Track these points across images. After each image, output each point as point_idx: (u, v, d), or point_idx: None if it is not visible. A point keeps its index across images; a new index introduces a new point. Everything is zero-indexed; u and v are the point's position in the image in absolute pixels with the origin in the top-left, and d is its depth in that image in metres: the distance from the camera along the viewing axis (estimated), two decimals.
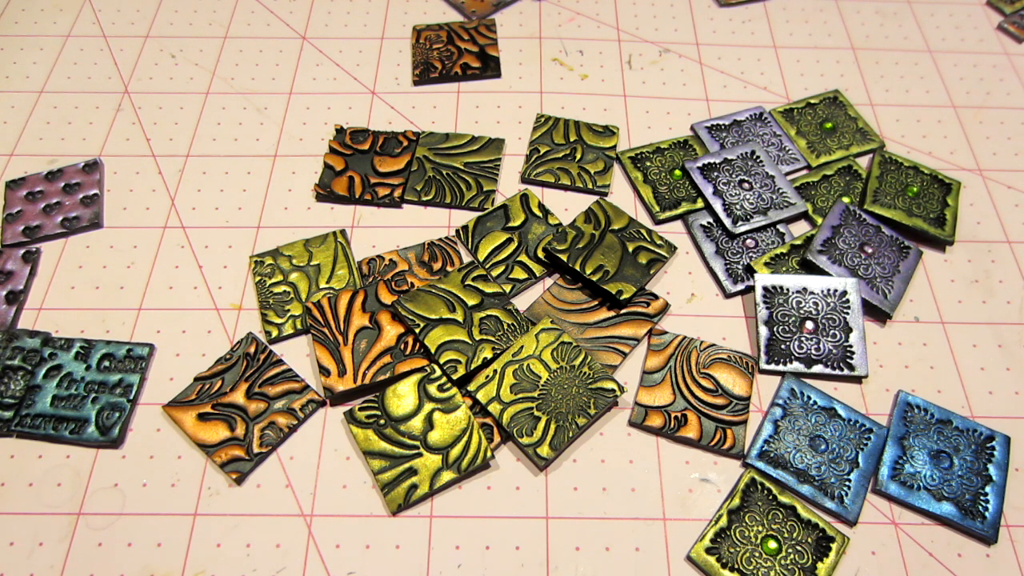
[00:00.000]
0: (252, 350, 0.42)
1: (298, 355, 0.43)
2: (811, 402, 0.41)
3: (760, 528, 0.38)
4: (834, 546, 0.37)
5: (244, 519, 0.38)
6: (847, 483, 0.39)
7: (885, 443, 0.40)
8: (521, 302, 0.45)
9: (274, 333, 0.43)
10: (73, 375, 0.42)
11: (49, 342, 0.42)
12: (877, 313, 0.45)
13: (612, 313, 0.44)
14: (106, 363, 0.42)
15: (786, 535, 0.37)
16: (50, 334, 0.43)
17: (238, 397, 0.41)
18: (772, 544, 0.37)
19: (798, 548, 0.37)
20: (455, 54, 0.56)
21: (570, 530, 0.38)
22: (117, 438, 0.40)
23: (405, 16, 0.59)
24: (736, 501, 0.38)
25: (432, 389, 0.41)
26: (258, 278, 0.45)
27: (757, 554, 0.37)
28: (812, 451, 0.40)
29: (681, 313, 0.45)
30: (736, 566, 0.37)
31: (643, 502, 0.39)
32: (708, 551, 0.37)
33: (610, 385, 0.41)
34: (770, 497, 0.38)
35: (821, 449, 0.40)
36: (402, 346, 0.42)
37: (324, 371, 0.41)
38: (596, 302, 0.45)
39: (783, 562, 0.37)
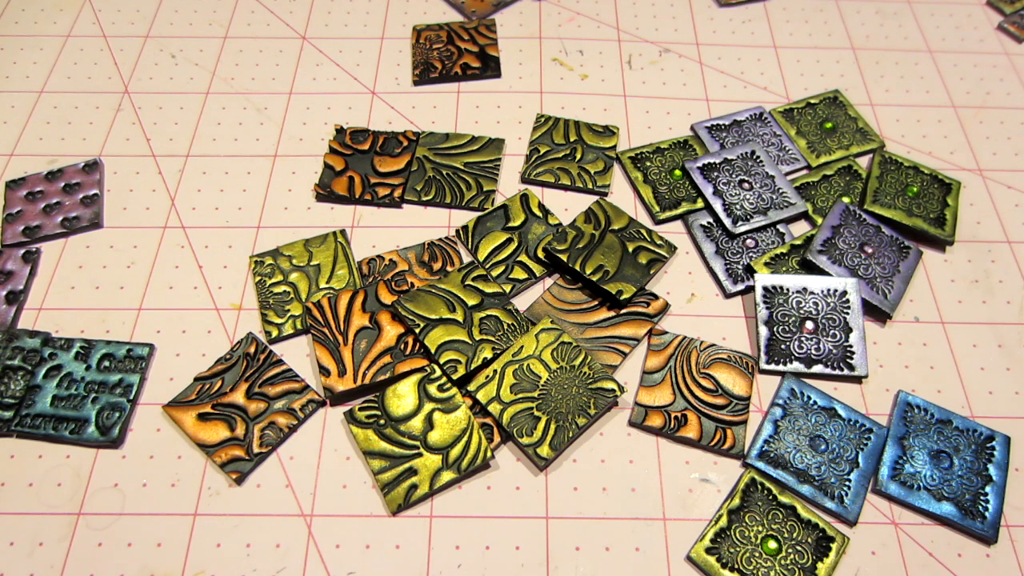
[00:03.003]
0: (252, 350, 0.42)
1: (298, 355, 0.43)
2: (811, 402, 0.41)
3: (760, 528, 0.38)
4: (834, 546, 0.37)
5: (244, 519, 0.38)
6: (847, 483, 0.39)
7: (885, 443, 0.40)
8: (521, 302, 0.45)
9: (274, 333, 0.43)
10: (73, 375, 0.42)
11: (49, 342, 0.42)
12: (877, 313, 0.45)
13: (612, 313, 0.44)
14: (106, 363, 0.42)
15: (786, 535, 0.37)
16: (50, 334, 0.43)
17: (238, 397, 0.41)
18: (772, 544, 0.37)
19: (798, 548, 0.37)
20: (455, 54, 0.56)
21: (570, 530, 0.38)
22: (117, 438, 0.40)
23: (405, 16, 0.59)
24: (736, 501, 0.38)
25: (432, 389, 0.41)
26: (258, 278, 0.45)
27: (757, 554, 0.37)
28: (812, 451, 0.40)
29: (681, 313, 0.45)
30: (736, 566, 0.37)
31: (643, 502, 0.39)
32: (708, 551, 0.37)
33: (610, 385, 0.41)
34: (770, 497, 0.38)
35: (821, 449, 0.40)
36: (402, 346, 0.42)
37: (324, 371, 0.41)
38: (596, 302, 0.45)
39: (783, 562, 0.37)
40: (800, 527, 0.38)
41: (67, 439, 0.40)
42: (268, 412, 0.41)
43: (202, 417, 0.40)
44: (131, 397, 0.41)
